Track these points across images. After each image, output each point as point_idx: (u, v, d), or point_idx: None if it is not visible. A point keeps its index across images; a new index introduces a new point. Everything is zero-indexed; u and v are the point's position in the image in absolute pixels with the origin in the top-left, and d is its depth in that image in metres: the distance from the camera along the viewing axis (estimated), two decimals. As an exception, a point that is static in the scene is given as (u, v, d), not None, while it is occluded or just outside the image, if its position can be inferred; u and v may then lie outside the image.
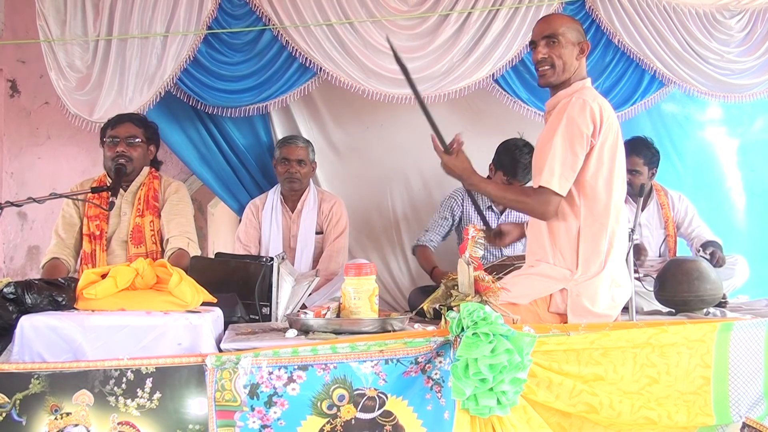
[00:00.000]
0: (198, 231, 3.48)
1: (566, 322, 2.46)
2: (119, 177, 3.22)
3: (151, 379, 1.92)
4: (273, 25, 3.69)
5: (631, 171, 3.81)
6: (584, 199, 2.50)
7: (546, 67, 2.59)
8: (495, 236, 3.07)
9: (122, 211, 3.30)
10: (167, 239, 3.24)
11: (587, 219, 2.50)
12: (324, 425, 1.92)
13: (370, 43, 3.71)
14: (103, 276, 2.21)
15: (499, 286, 2.09)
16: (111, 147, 3.29)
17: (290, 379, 1.92)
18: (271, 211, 3.83)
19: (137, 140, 3.33)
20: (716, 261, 3.56)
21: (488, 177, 3.92)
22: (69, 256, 3.29)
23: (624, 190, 2.60)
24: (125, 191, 3.33)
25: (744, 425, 2.07)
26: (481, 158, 3.96)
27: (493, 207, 3.89)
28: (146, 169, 3.39)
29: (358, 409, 1.93)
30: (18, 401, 1.90)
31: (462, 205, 3.90)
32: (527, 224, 3.23)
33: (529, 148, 3.65)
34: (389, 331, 2.17)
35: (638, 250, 3.60)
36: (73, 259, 3.32)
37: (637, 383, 2.04)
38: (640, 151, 3.82)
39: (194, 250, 3.22)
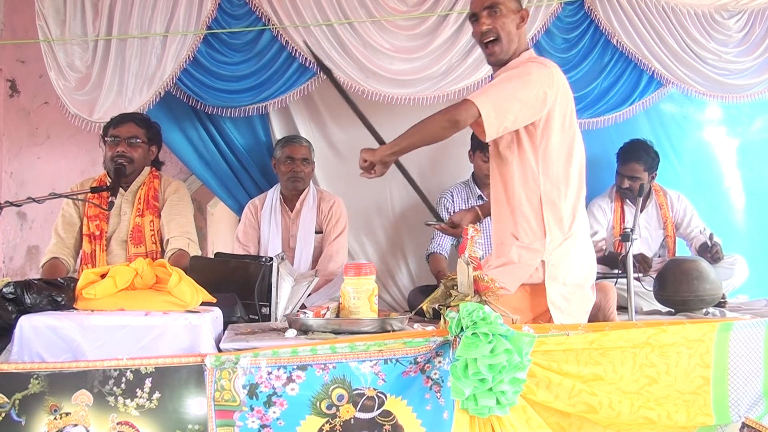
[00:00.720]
0: (197, 231, 3.48)
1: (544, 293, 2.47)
2: (119, 177, 3.22)
3: (150, 379, 1.92)
4: (272, 25, 3.70)
5: (632, 177, 3.83)
6: (543, 164, 2.50)
7: (491, 39, 2.57)
8: (451, 227, 3.04)
9: (122, 211, 3.30)
10: (167, 240, 3.24)
11: (546, 185, 2.50)
12: (323, 425, 1.92)
13: (370, 43, 3.72)
14: (103, 276, 2.21)
15: (498, 286, 2.08)
16: (112, 146, 3.29)
17: (289, 379, 1.92)
18: (270, 210, 3.83)
19: (138, 140, 3.31)
20: (715, 252, 3.57)
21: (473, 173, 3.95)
22: (69, 256, 3.29)
23: (582, 160, 2.60)
24: (125, 191, 3.33)
25: (743, 425, 2.07)
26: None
27: (483, 196, 3.91)
28: (147, 169, 3.39)
29: (357, 408, 1.93)
30: (17, 401, 1.90)
31: (453, 202, 3.93)
32: (480, 207, 3.26)
33: None
34: (388, 331, 2.17)
35: (642, 260, 3.62)
36: (73, 258, 3.32)
37: (637, 383, 2.03)
38: (640, 157, 3.83)
39: (194, 251, 3.22)
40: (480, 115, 2.38)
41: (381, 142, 2.79)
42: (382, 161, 2.52)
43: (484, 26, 2.58)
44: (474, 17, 2.64)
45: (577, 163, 2.55)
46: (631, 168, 3.84)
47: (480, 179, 3.92)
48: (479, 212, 3.33)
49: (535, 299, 2.51)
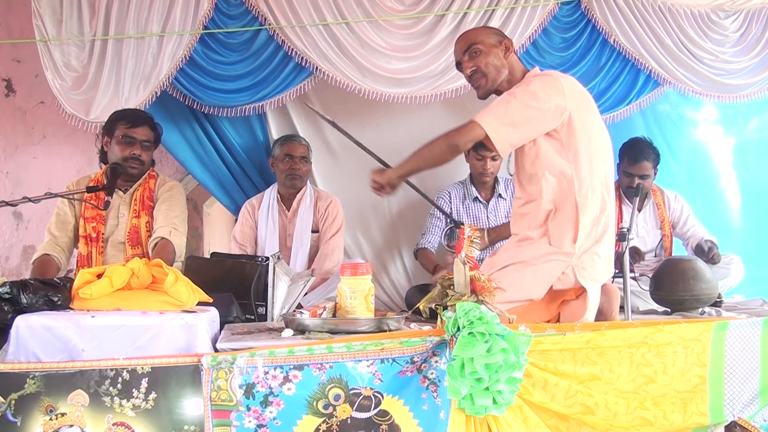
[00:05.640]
0: (194, 230, 3.48)
1: (576, 296, 2.48)
2: (115, 176, 3.18)
3: (146, 379, 1.92)
4: (269, 24, 3.69)
5: (643, 176, 3.83)
6: (575, 169, 2.50)
7: (479, 77, 2.63)
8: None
9: (120, 213, 3.28)
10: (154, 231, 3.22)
11: (581, 189, 2.49)
12: (320, 425, 1.92)
13: (366, 42, 3.71)
14: (99, 276, 2.20)
15: (495, 285, 2.08)
16: (125, 146, 3.25)
17: (286, 379, 1.92)
18: (267, 210, 3.83)
19: (150, 144, 3.33)
20: (712, 256, 3.57)
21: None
22: (60, 254, 3.24)
23: (611, 160, 2.62)
24: (124, 193, 3.31)
25: (735, 424, 2.07)
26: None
27: (479, 198, 3.91)
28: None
29: (354, 408, 1.93)
30: (13, 401, 1.90)
31: (450, 203, 3.93)
32: (488, 232, 3.28)
33: None
34: (385, 331, 2.17)
35: (633, 253, 3.62)
36: (65, 257, 3.28)
37: (634, 383, 2.04)
38: (648, 155, 3.84)
39: (177, 238, 3.17)
40: (486, 135, 2.41)
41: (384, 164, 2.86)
42: (390, 184, 2.59)
43: (468, 69, 2.65)
44: (459, 65, 2.71)
45: (603, 164, 2.55)
46: (642, 167, 3.84)
47: (476, 179, 3.92)
48: (486, 239, 3.37)
49: (553, 302, 2.52)
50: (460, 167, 4.08)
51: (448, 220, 3.94)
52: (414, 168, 2.61)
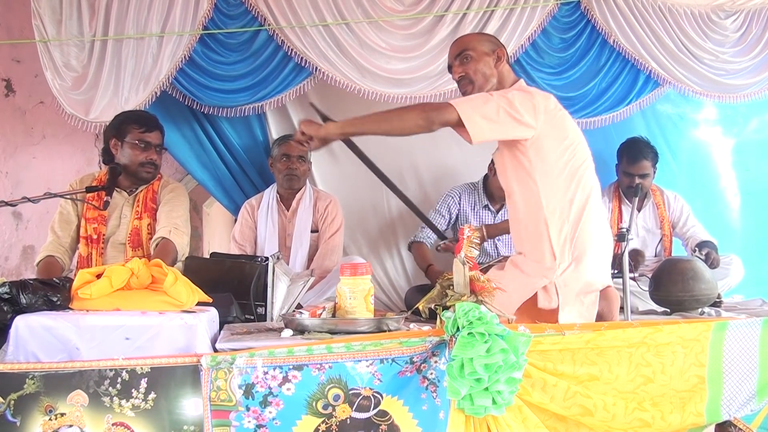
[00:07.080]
0: (193, 231, 3.46)
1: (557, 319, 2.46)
2: (114, 177, 3.17)
3: (146, 379, 1.92)
4: (269, 25, 3.69)
5: (643, 175, 3.84)
6: (543, 187, 2.49)
7: (466, 83, 2.64)
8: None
9: (122, 214, 3.28)
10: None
11: (549, 207, 2.49)
12: (319, 425, 1.92)
13: (366, 42, 3.72)
14: (98, 276, 2.20)
15: (494, 285, 2.08)
16: (140, 151, 3.25)
17: (285, 379, 1.92)
18: (267, 210, 3.83)
19: (161, 147, 3.34)
20: (711, 262, 3.56)
21: (485, 176, 3.94)
22: (64, 255, 3.24)
23: (591, 174, 2.59)
24: (129, 195, 3.30)
25: (730, 423, 2.08)
26: (476, 158, 3.99)
27: (489, 206, 3.90)
28: None
29: (354, 408, 1.93)
30: (12, 401, 1.90)
31: (459, 204, 3.92)
32: (487, 228, 3.30)
33: None
34: (385, 331, 2.17)
35: (635, 255, 3.62)
36: (69, 257, 3.27)
37: (633, 383, 2.04)
38: (647, 154, 3.86)
39: (178, 237, 3.15)
40: (460, 120, 2.39)
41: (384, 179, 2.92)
42: (325, 138, 2.48)
43: (457, 74, 2.67)
44: (450, 68, 2.73)
45: (578, 182, 2.52)
46: (642, 166, 3.85)
47: (490, 191, 3.91)
48: (485, 233, 3.36)
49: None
50: (459, 169, 4.08)
51: (450, 222, 3.93)
52: (367, 130, 2.53)
